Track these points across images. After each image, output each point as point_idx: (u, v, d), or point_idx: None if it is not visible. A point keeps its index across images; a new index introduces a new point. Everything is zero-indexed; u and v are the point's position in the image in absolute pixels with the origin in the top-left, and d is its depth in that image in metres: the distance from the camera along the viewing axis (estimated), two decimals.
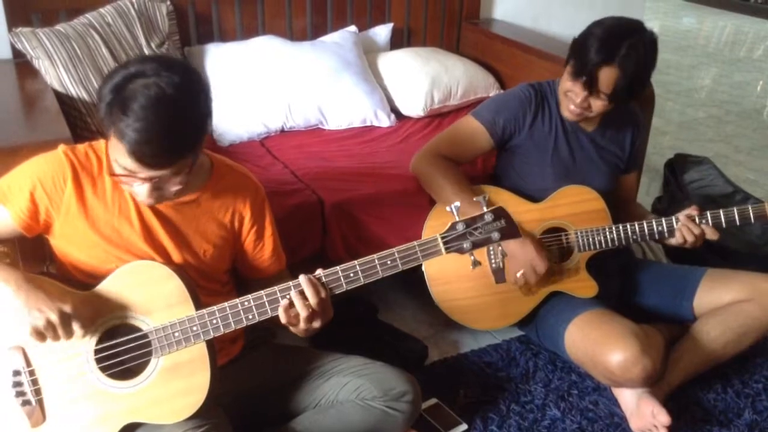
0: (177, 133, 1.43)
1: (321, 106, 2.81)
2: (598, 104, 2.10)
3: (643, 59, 2.02)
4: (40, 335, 1.46)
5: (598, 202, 2.20)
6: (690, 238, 2.12)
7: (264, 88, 2.77)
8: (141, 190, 1.49)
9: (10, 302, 1.45)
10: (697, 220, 2.12)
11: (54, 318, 1.44)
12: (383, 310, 2.51)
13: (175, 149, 1.45)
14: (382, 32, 3.24)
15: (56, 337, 1.47)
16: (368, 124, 2.90)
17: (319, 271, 1.55)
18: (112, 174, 1.48)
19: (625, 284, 2.36)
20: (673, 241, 2.15)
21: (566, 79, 2.11)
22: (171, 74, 1.41)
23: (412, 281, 2.29)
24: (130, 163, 1.43)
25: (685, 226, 2.12)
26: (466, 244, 1.55)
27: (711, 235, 2.12)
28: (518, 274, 2.12)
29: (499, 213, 1.56)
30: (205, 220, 1.68)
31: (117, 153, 1.44)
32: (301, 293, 1.53)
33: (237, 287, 1.83)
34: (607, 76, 2.02)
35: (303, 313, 1.53)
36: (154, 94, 1.38)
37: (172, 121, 1.41)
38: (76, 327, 1.48)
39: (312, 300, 1.52)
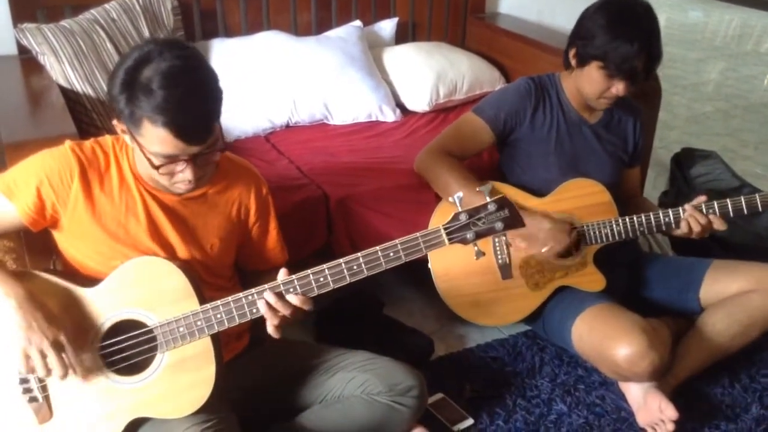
0: (203, 96, 1.47)
1: (326, 101, 2.81)
2: (630, 88, 2.11)
3: (659, 33, 2.06)
4: (27, 359, 1.45)
5: (603, 195, 2.20)
6: (696, 228, 2.11)
7: (269, 83, 2.76)
8: (185, 173, 1.49)
9: (11, 316, 1.44)
10: (704, 210, 2.12)
11: (45, 345, 1.43)
12: (390, 305, 2.50)
13: (208, 113, 1.48)
14: (386, 27, 3.23)
15: (43, 366, 1.45)
16: (373, 119, 2.89)
17: (288, 276, 1.53)
18: (156, 167, 1.47)
19: (632, 278, 2.35)
20: (679, 231, 2.14)
21: (599, 82, 2.09)
22: (173, 50, 1.45)
23: (419, 276, 2.29)
24: (169, 144, 1.43)
25: (691, 216, 2.11)
26: (470, 235, 1.53)
27: (718, 225, 2.11)
28: (544, 249, 2.12)
29: (503, 202, 1.54)
30: (213, 215, 1.68)
31: (154, 142, 1.44)
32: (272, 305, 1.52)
33: (242, 283, 1.82)
34: (641, 62, 2.04)
35: (273, 321, 1.54)
36: (168, 69, 1.42)
37: (195, 86, 1.45)
38: (67, 356, 1.47)
39: (283, 311, 1.52)
